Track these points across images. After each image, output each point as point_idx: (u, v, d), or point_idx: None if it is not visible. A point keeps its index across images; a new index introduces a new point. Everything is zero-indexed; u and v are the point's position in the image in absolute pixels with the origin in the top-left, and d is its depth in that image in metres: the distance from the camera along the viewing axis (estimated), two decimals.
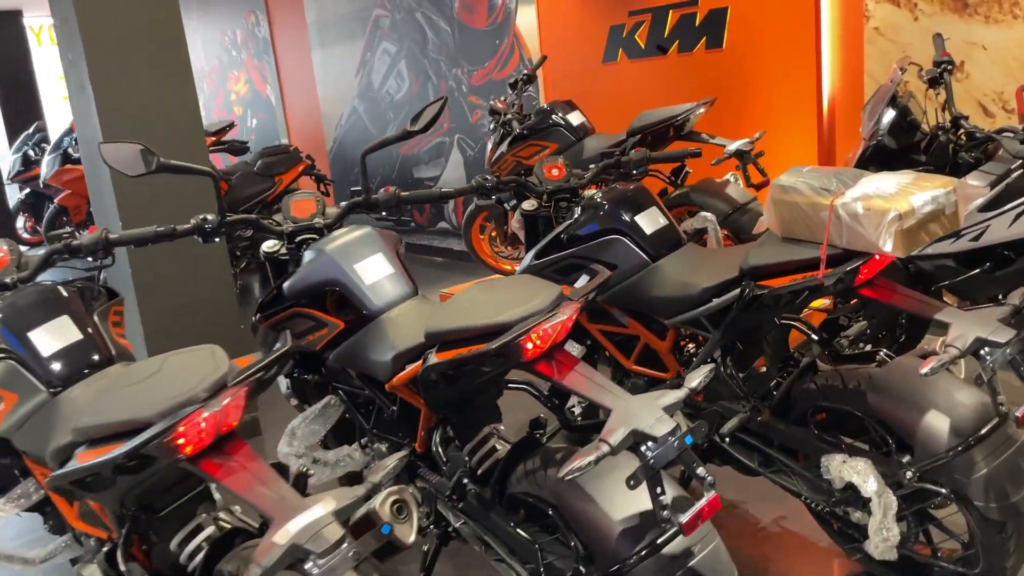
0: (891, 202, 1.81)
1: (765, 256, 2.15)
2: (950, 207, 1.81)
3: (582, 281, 1.92)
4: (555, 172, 2.89)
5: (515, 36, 5.97)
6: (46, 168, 7.92)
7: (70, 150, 7.86)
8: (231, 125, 8.01)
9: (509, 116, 4.62)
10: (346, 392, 2.48)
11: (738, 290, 2.21)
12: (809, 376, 2.30)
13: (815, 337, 2.46)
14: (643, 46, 5.11)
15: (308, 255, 2.35)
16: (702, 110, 3.98)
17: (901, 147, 3.12)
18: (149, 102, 3.42)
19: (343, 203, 2.59)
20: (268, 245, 2.55)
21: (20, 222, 9.22)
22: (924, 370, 1.77)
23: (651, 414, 1.55)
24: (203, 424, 1.36)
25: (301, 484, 1.92)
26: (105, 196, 3.48)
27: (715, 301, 2.28)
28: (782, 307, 2.18)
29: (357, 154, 7.41)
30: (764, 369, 2.51)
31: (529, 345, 1.68)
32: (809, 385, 2.27)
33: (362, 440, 2.52)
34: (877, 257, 1.94)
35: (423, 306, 2.25)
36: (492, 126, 4.75)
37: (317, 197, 2.60)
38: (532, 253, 2.77)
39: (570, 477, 1.48)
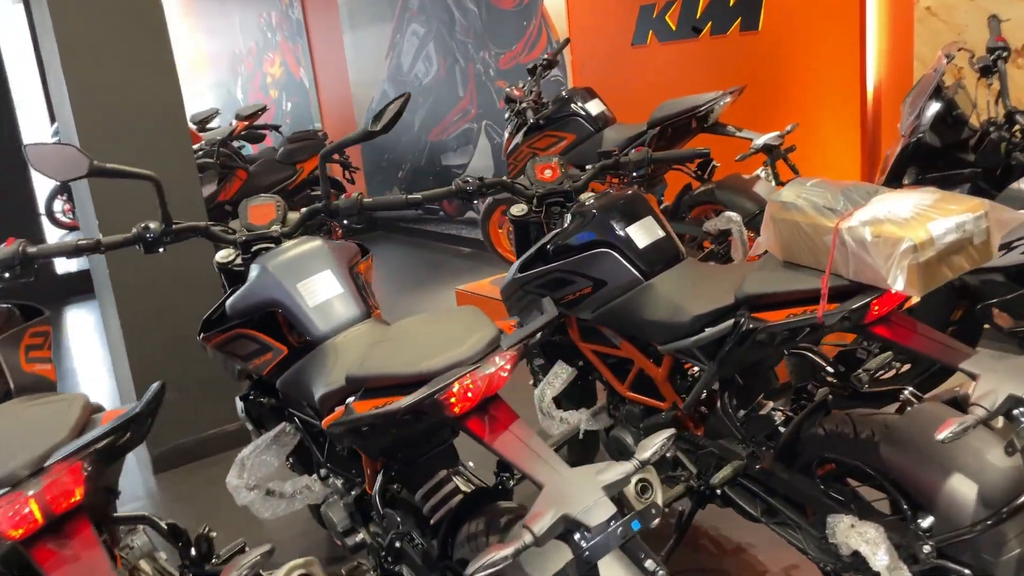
0: (905, 229, 1.48)
1: (762, 283, 1.84)
2: (980, 235, 1.48)
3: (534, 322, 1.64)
4: (548, 173, 2.61)
5: (543, 17, 5.65)
6: None
7: None
8: (263, 109, 7.84)
9: (524, 105, 4.32)
10: (301, 420, 2.25)
11: (732, 321, 1.90)
12: (819, 418, 1.99)
13: (830, 370, 2.14)
14: (674, 28, 4.75)
15: (251, 271, 2.12)
16: (728, 99, 3.63)
17: (946, 145, 2.74)
18: (127, 95, 3.23)
19: (303, 209, 2.35)
20: (221, 255, 2.33)
21: (58, 206, 9.26)
22: (941, 436, 1.45)
23: (588, 494, 1.27)
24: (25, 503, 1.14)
25: (204, 546, 1.70)
26: (83, 191, 3.31)
27: (707, 332, 1.98)
28: (780, 344, 1.87)
29: (388, 140, 7.13)
30: (770, 406, 2.20)
31: (453, 400, 1.42)
32: (817, 430, 1.96)
33: (321, 471, 2.30)
34: (892, 291, 1.62)
35: (375, 330, 2.00)
36: (507, 115, 4.45)
37: (278, 202, 2.37)
38: (517, 265, 2.50)
39: (482, 575, 1.21)
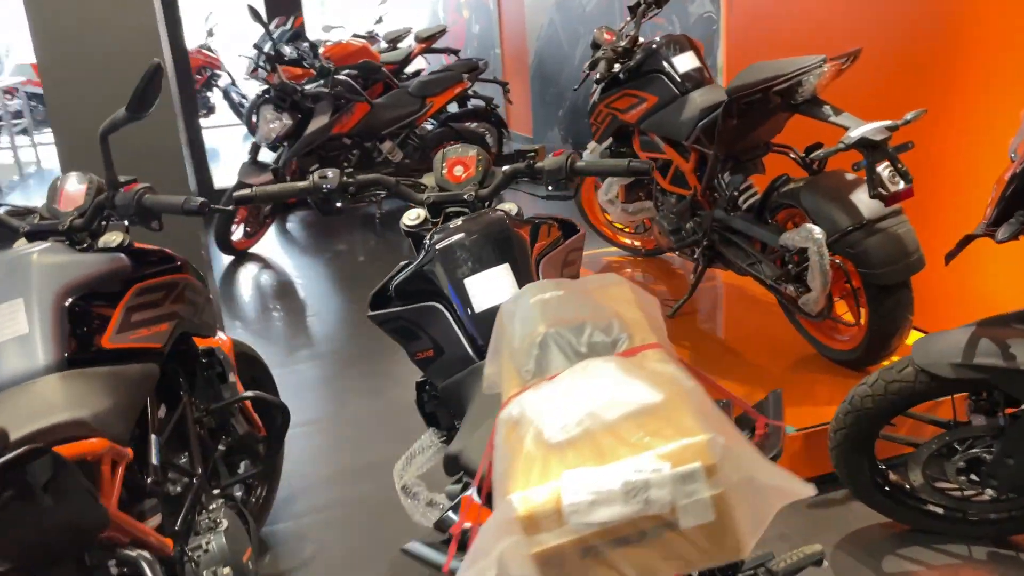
0: (532, 470, 0.69)
1: (469, 444, 1.09)
2: (695, 512, 0.64)
3: None
4: (459, 171, 1.93)
5: None
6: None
7: (283, 48, 7.76)
8: (442, 31, 7.44)
9: (601, 53, 3.46)
10: None
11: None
12: None
13: None
14: None
15: None
16: (826, 69, 2.57)
17: None
18: (94, 21, 2.91)
19: (97, 199, 1.87)
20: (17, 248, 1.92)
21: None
22: None
23: None
24: None
25: None
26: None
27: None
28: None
29: (551, 72, 6.34)
30: None
31: None
32: None
33: None
34: None
35: (64, 384, 1.49)
36: (585, 65, 3.61)
37: (91, 182, 1.91)
38: (370, 297, 1.87)
39: None
